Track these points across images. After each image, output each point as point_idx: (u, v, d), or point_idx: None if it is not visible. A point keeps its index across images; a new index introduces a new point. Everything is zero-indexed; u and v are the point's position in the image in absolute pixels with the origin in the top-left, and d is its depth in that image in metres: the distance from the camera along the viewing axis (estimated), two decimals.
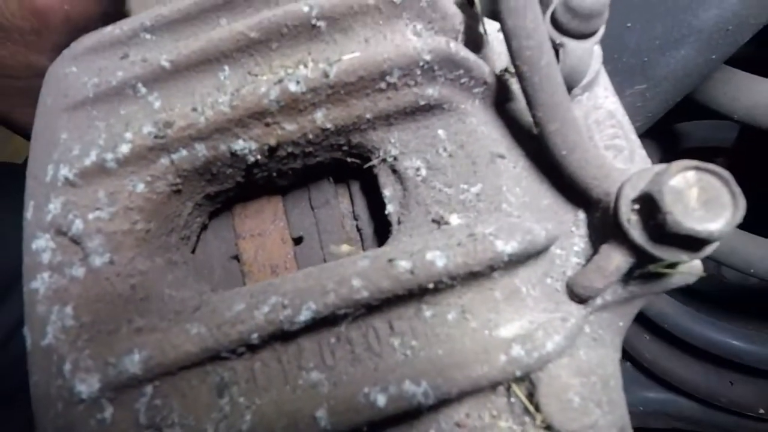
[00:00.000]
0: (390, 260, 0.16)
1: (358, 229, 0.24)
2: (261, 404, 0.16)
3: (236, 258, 0.24)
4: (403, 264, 0.15)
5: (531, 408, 0.15)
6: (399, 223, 0.20)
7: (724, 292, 0.59)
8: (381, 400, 0.16)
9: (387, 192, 0.20)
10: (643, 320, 0.56)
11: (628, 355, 0.60)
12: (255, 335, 0.15)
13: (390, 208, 0.20)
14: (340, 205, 0.24)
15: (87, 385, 0.16)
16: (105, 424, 0.16)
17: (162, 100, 0.19)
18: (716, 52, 0.27)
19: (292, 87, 0.17)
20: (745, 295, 0.61)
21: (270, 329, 0.15)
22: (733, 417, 0.61)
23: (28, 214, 0.19)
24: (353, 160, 0.21)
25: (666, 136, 0.55)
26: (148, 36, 0.21)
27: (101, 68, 0.21)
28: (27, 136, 0.29)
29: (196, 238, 0.22)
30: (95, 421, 0.16)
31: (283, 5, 0.20)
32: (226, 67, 0.20)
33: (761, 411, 0.58)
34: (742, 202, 0.15)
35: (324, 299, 0.15)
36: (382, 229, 0.22)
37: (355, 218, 0.24)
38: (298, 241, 0.24)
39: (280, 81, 0.17)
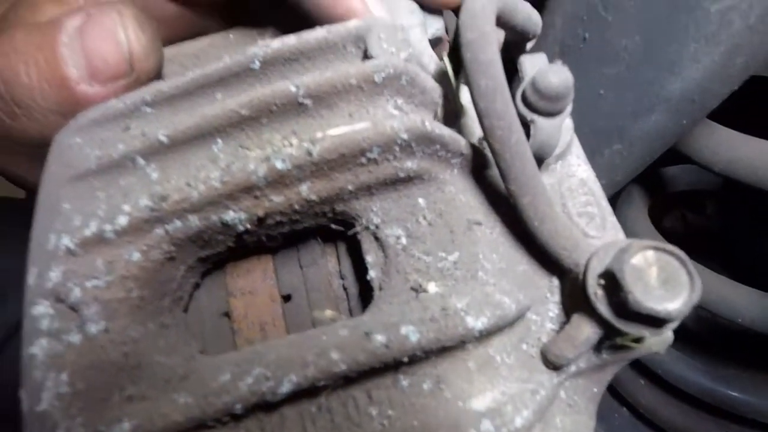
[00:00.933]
0: (366, 333, 0.17)
1: (344, 288, 0.25)
2: None
3: (227, 315, 0.24)
4: (379, 338, 0.16)
5: None
6: (380, 288, 0.21)
7: (719, 337, 0.59)
8: None
9: (369, 258, 0.21)
10: (638, 365, 0.56)
11: (624, 402, 0.59)
12: (239, 406, 0.16)
13: (372, 274, 0.21)
14: (328, 264, 0.25)
15: None
16: None
17: (159, 171, 0.21)
18: (686, 118, 0.29)
19: (279, 165, 0.19)
20: (739, 337, 0.61)
21: (253, 400, 0.16)
22: None
23: (30, 280, 0.20)
24: (337, 226, 0.22)
25: (654, 179, 0.56)
26: (148, 110, 0.23)
27: (104, 140, 0.22)
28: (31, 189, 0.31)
29: (189, 297, 0.23)
30: None
31: (273, 83, 0.22)
32: (219, 141, 0.21)
33: None
34: (699, 283, 0.16)
35: (304, 371, 0.16)
36: (366, 289, 0.23)
37: (342, 277, 0.25)
38: (287, 298, 0.25)
39: (267, 159, 0.19)
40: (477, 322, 0.17)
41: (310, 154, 0.19)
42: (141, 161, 0.21)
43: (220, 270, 0.25)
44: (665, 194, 0.60)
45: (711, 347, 0.56)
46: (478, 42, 0.19)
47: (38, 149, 0.24)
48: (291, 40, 0.22)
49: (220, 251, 0.22)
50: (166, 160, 0.21)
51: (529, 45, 0.27)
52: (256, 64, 0.22)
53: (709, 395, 0.49)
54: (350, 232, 0.22)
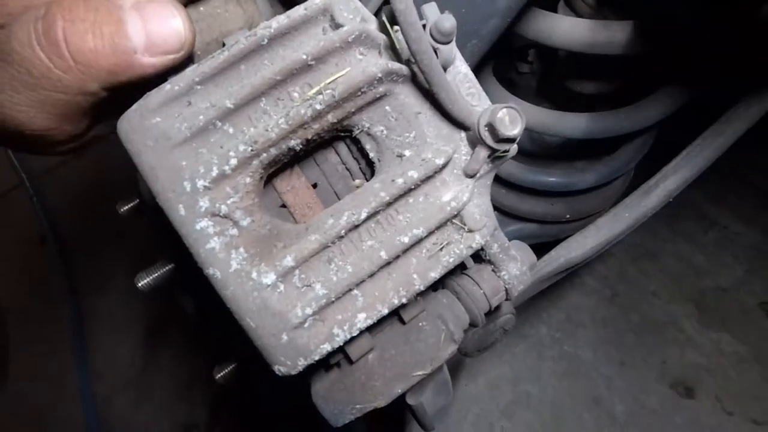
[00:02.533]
0: (392, 180, 0.33)
1: (347, 169, 0.40)
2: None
3: (283, 206, 0.39)
4: (399, 180, 0.33)
5: (462, 224, 0.36)
6: (379, 161, 0.37)
7: (546, 149, 0.89)
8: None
9: (368, 146, 0.37)
10: (499, 179, 0.84)
11: (495, 206, 0.89)
12: (343, 230, 0.32)
13: (372, 155, 0.37)
14: (333, 159, 0.40)
15: (268, 278, 0.31)
16: (278, 289, 0.32)
17: (233, 127, 0.32)
18: (511, 17, 0.47)
19: (317, 106, 0.32)
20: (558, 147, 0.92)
21: (348, 227, 0.32)
22: (556, 225, 0.95)
23: (181, 212, 0.31)
24: (344, 133, 0.37)
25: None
26: (198, 87, 0.33)
27: (180, 115, 0.32)
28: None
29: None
30: (278, 293, 0.32)
31: (283, 53, 0.33)
32: (263, 99, 0.33)
33: (567, 216, 0.92)
34: (524, 118, 0.35)
35: (371, 205, 0.33)
36: (367, 165, 0.39)
37: (343, 163, 0.40)
38: (314, 186, 0.40)
39: (310, 104, 0.32)
40: (438, 161, 0.35)
41: (333, 96, 0.33)
42: (219, 123, 0.32)
43: (269, 182, 0.38)
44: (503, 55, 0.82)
45: (533, 154, 0.86)
46: (406, 10, 0.33)
47: (71, 97, 0.30)
48: (283, 20, 0.34)
49: (280, 165, 0.35)
50: (234, 119, 0.32)
51: None
52: (265, 41, 0.33)
53: (539, 184, 0.79)
54: (354, 135, 0.37)
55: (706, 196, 1.67)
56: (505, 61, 0.89)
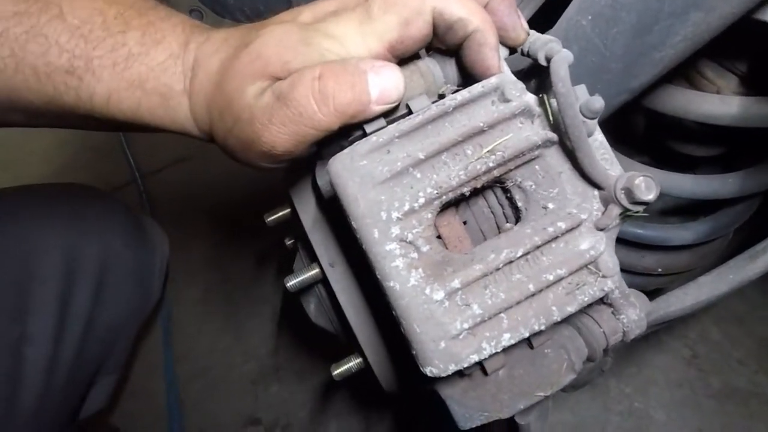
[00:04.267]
0: (543, 228, 0.41)
1: (493, 213, 0.48)
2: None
3: (438, 236, 0.47)
4: (550, 229, 0.41)
5: (596, 270, 0.42)
6: (526, 210, 0.45)
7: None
8: None
9: (517, 197, 0.45)
10: None
11: None
12: (501, 263, 0.40)
13: (520, 204, 0.45)
14: (481, 203, 0.49)
15: (438, 295, 0.40)
16: (444, 305, 0.40)
17: (421, 174, 0.42)
18: (638, 93, 0.53)
19: (490, 163, 0.41)
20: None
21: (505, 261, 0.40)
22: (644, 277, 0.97)
23: (375, 235, 0.41)
24: (498, 185, 0.45)
25: None
26: (396, 140, 0.43)
27: (382, 160, 0.42)
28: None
29: None
30: (443, 308, 0.40)
31: (465, 119, 0.43)
32: (445, 153, 0.42)
33: (659, 270, 0.94)
34: (659, 185, 0.42)
35: (521, 247, 0.40)
36: (507, 214, 0.47)
37: (491, 210, 0.48)
38: (465, 223, 0.48)
39: (484, 161, 0.41)
40: (582, 216, 0.42)
41: (503, 156, 0.41)
42: (411, 169, 0.42)
43: None
44: None
45: None
46: (567, 94, 0.41)
47: (319, 133, 0.42)
48: (466, 94, 0.43)
49: (448, 206, 0.44)
50: (422, 167, 0.42)
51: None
52: (451, 109, 0.43)
53: (630, 235, 0.83)
54: (506, 186, 0.45)
55: None
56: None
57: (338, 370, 0.66)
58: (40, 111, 0.48)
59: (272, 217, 0.73)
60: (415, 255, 0.41)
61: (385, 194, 0.41)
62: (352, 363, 0.65)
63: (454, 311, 0.40)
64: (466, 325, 0.40)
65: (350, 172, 0.42)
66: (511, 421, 0.52)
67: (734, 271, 0.67)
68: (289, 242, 0.81)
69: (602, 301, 0.47)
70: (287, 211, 0.71)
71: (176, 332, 1.92)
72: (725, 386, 1.45)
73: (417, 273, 0.40)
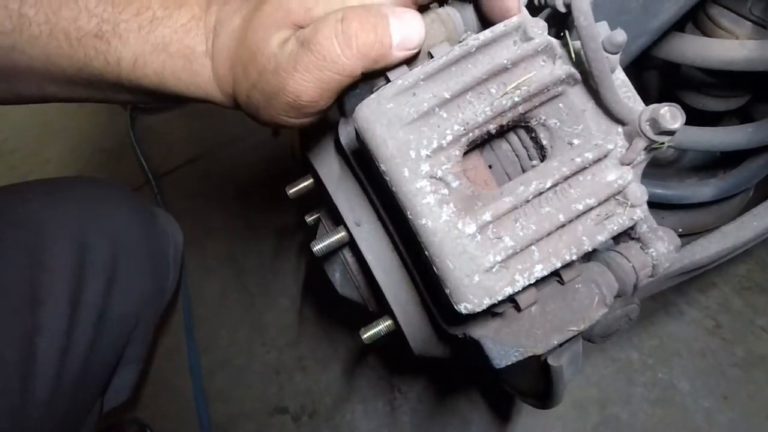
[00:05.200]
0: (571, 159, 0.42)
1: (517, 156, 0.49)
2: None
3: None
4: (578, 159, 0.41)
5: (625, 200, 0.43)
6: (551, 147, 0.45)
7: (658, 161, 0.92)
8: None
9: (542, 135, 0.45)
10: None
11: None
12: (531, 195, 0.41)
13: (545, 143, 0.45)
14: (505, 147, 0.49)
15: (470, 228, 0.40)
16: (476, 239, 0.41)
17: (446, 113, 0.43)
18: (657, 36, 0.53)
19: (516, 99, 0.41)
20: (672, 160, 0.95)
21: (535, 193, 0.41)
22: None
23: (404, 174, 0.42)
24: (523, 123, 0.46)
25: None
26: (421, 83, 0.43)
27: (408, 102, 0.43)
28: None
29: None
30: (475, 242, 0.41)
31: (488, 58, 0.43)
32: (469, 93, 0.43)
33: (680, 230, 0.94)
34: (683, 114, 0.42)
35: (548, 179, 0.41)
36: (532, 155, 0.48)
37: (515, 153, 0.49)
38: (490, 167, 0.49)
39: (510, 97, 0.41)
40: (609, 146, 0.42)
41: (528, 91, 0.42)
42: (437, 109, 0.42)
43: None
44: None
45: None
46: (589, 27, 0.41)
47: (342, 78, 0.43)
48: (488, 33, 0.44)
49: (472, 147, 0.45)
50: (448, 106, 0.43)
51: None
52: (474, 49, 0.43)
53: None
54: (531, 125, 0.46)
55: None
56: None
57: (368, 333, 0.67)
58: (73, 80, 0.50)
59: (294, 189, 0.74)
60: (445, 191, 0.41)
61: (413, 134, 0.42)
62: (381, 326, 0.66)
63: (487, 244, 0.41)
64: (498, 258, 0.40)
65: (378, 115, 0.43)
66: (543, 365, 0.53)
67: (758, 219, 0.67)
68: (310, 218, 0.82)
69: (630, 236, 0.47)
70: (309, 181, 0.72)
71: (196, 327, 1.95)
72: (749, 354, 1.43)
73: (448, 208, 0.41)
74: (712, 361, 1.45)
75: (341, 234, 0.62)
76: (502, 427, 1.45)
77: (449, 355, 0.70)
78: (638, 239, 0.47)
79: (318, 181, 0.67)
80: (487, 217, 0.41)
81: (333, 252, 0.69)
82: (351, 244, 0.64)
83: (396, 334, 0.67)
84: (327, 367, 1.68)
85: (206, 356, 1.84)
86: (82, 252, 0.73)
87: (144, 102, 0.60)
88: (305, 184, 0.72)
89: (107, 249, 0.76)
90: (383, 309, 0.70)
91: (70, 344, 0.67)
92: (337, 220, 0.65)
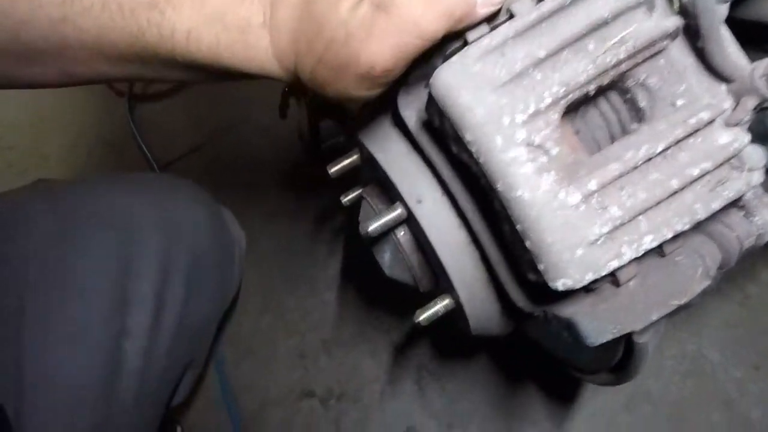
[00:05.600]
0: (684, 120, 0.38)
1: (607, 122, 0.45)
2: None
3: None
4: (692, 120, 0.37)
5: (741, 164, 0.39)
6: (650, 109, 0.41)
7: None
8: None
9: (640, 96, 0.41)
10: None
11: None
12: (640, 161, 0.37)
13: (643, 104, 0.42)
14: (593, 112, 0.46)
15: (574, 198, 0.37)
16: (580, 209, 0.37)
17: (542, 73, 0.39)
18: None
19: (621, 55, 0.38)
20: None
21: (645, 158, 0.37)
22: None
23: (497, 143, 0.38)
24: (621, 83, 0.42)
25: None
26: (510, 41, 0.39)
27: (498, 63, 0.39)
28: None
29: None
30: (579, 213, 0.37)
31: (585, 13, 0.39)
32: (566, 50, 0.39)
33: None
34: None
35: (667, 140, 0.38)
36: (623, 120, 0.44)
37: (604, 118, 0.45)
38: (576, 132, 0.45)
39: (614, 53, 0.38)
40: (725, 105, 0.38)
41: (634, 46, 0.38)
42: (531, 70, 0.39)
43: None
44: None
45: None
46: None
47: (421, 42, 0.39)
48: None
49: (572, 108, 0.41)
50: (542, 66, 0.39)
51: None
52: (567, 2, 0.39)
53: None
54: (626, 87, 0.42)
55: None
56: None
57: (425, 315, 0.64)
58: (124, 56, 0.46)
59: (336, 167, 0.70)
60: (544, 159, 0.38)
61: (506, 98, 0.38)
62: (439, 306, 0.63)
63: (592, 215, 0.38)
64: (605, 229, 0.37)
65: (462, 80, 0.39)
66: (627, 341, 0.50)
67: None
68: (346, 198, 0.78)
69: (733, 204, 0.44)
70: (353, 158, 0.68)
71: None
72: None
73: (549, 177, 0.37)
74: (742, 331, 1.43)
75: (397, 211, 0.59)
76: (536, 403, 1.44)
77: (506, 334, 0.68)
78: (742, 207, 0.44)
79: (368, 158, 0.63)
80: (592, 185, 0.37)
81: (383, 233, 0.66)
82: (406, 222, 0.61)
83: (454, 313, 0.64)
84: (350, 350, 1.67)
85: (230, 347, 1.83)
86: (165, 257, 0.70)
87: (197, 80, 0.56)
88: (349, 160, 0.69)
89: (187, 254, 0.74)
90: (439, 289, 0.67)
91: (152, 348, 0.67)
92: (392, 198, 0.61)
